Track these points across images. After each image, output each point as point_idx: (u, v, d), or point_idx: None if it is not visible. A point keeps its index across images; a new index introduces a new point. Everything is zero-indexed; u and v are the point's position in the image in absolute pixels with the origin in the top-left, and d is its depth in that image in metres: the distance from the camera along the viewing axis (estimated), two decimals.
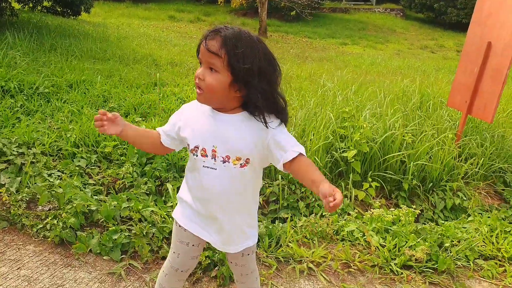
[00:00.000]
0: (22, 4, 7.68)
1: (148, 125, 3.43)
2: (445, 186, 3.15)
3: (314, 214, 2.68)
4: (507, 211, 3.04)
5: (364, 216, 2.68)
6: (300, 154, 1.23)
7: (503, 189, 3.44)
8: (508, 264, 2.34)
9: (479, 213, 3.03)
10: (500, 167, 3.45)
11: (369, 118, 3.24)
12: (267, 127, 1.23)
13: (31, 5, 7.86)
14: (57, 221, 2.08)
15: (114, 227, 2.05)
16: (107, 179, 2.82)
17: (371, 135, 2.99)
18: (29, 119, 3.61)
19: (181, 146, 1.40)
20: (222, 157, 1.26)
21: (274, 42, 13.27)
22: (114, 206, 2.18)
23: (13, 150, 3.02)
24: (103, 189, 2.74)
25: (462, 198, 3.09)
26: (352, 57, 10.57)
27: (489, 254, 2.41)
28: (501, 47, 3.12)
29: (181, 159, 3.01)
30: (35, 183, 2.61)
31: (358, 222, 2.57)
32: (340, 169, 3.09)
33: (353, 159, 2.94)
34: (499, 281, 2.25)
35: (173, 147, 1.38)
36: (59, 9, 10.36)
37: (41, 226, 2.12)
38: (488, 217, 2.72)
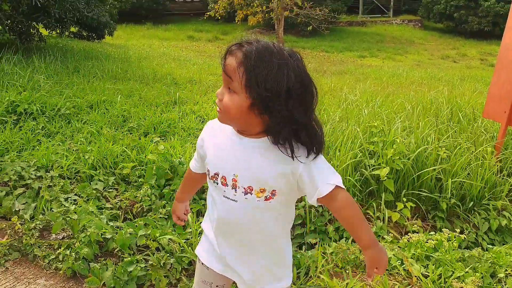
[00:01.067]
0: (50, 30, 7.96)
1: (167, 144, 3.31)
2: (488, 205, 2.89)
3: (345, 238, 2.46)
4: None
5: (400, 241, 2.45)
6: (337, 187, 1.06)
7: None
8: None
9: None
10: None
11: (400, 132, 3.03)
12: (292, 158, 1.04)
13: (58, 31, 8.14)
14: (70, 252, 1.95)
15: (129, 258, 1.90)
16: (125, 203, 2.70)
17: (405, 150, 2.77)
18: (49, 141, 3.57)
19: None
20: (244, 188, 1.08)
21: None
22: (130, 234, 2.04)
23: (31, 174, 2.95)
24: (120, 213, 2.61)
25: (509, 218, 2.81)
26: (371, 69, 10.34)
27: None
28: None
29: None
30: (50, 209, 2.50)
31: (394, 247, 2.34)
32: (370, 188, 2.87)
33: (386, 177, 2.73)
34: None
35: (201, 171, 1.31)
36: (85, 34, 10.72)
37: (54, 257, 1.99)
38: None
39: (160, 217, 2.37)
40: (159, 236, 2.05)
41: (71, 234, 2.17)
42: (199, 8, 25.51)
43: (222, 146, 1.12)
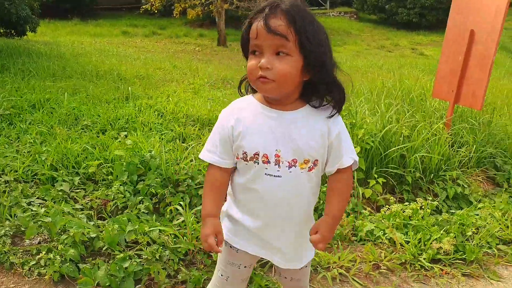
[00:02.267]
0: None
1: (133, 138, 3.17)
2: (445, 175, 3.13)
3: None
4: (508, 193, 3.06)
5: (376, 214, 2.59)
6: (353, 163, 1.14)
7: (495, 174, 3.48)
8: None
9: (477, 200, 3.04)
10: (490, 153, 3.50)
11: (366, 116, 3.18)
12: (332, 116, 1.09)
13: None
14: (54, 255, 1.81)
15: (122, 254, 1.80)
16: (96, 202, 2.55)
17: (375, 130, 2.91)
18: None
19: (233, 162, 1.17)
20: (288, 162, 1.07)
21: (235, 51, 13.19)
22: (118, 231, 1.93)
23: None
24: (93, 214, 2.47)
25: (463, 186, 3.07)
26: None
27: (509, 239, 2.38)
28: (485, 33, 3.17)
29: (175, 172, 2.79)
30: (15, 215, 2.29)
31: (374, 220, 2.46)
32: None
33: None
34: None
35: (233, 164, 1.17)
36: (1, 30, 9.75)
37: (34, 262, 1.83)
38: (501, 201, 2.71)
39: (142, 212, 2.28)
40: (148, 230, 1.97)
41: (48, 237, 2.01)
42: (131, 2, 24.51)
43: (256, 125, 1.08)
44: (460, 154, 3.30)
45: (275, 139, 1.07)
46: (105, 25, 19.86)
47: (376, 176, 2.86)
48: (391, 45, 14.49)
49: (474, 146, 3.41)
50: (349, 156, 1.13)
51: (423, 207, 2.48)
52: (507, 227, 2.45)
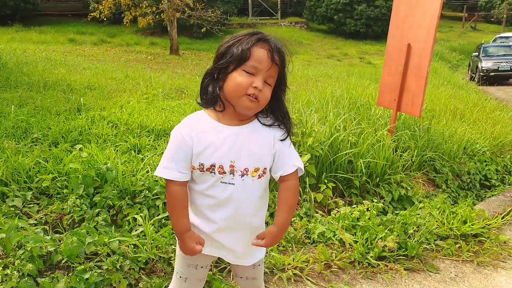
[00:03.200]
0: None
1: (88, 151, 3.14)
2: (389, 179, 3.38)
3: None
4: (446, 194, 3.36)
5: (327, 217, 2.75)
6: (297, 170, 1.28)
7: (435, 176, 3.80)
8: (461, 241, 2.58)
9: (419, 201, 3.31)
10: (430, 157, 3.82)
11: (316, 123, 3.36)
12: (285, 139, 1.26)
13: None
14: (10, 271, 1.78)
15: (82, 266, 1.82)
16: (51, 216, 2.51)
17: (323, 138, 3.10)
18: None
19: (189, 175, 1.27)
20: (241, 171, 1.21)
21: (188, 60, 13.18)
22: (77, 243, 1.94)
23: None
24: (48, 228, 2.43)
25: (406, 188, 3.34)
26: None
27: (445, 234, 2.63)
28: (420, 47, 3.48)
29: (131, 184, 2.80)
30: None
31: (324, 222, 2.62)
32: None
33: (307, 163, 3.01)
34: (458, 257, 2.47)
35: (190, 176, 1.25)
36: None
37: None
38: (437, 201, 2.98)
39: (101, 224, 2.28)
40: (108, 241, 1.99)
41: (3, 253, 1.97)
42: (78, 8, 23.71)
43: (211, 139, 1.19)
44: (403, 158, 3.58)
45: (230, 151, 1.19)
46: (50, 32, 19.05)
47: (326, 181, 3.04)
48: (340, 54, 15.16)
49: (416, 150, 3.71)
50: (292, 163, 1.26)
51: (369, 209, 2.68)
52: (443, 224, 2.71)
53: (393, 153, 3.57)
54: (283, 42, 1.21)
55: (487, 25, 30.78)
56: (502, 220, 2.87)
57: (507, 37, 17.45)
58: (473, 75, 13.91)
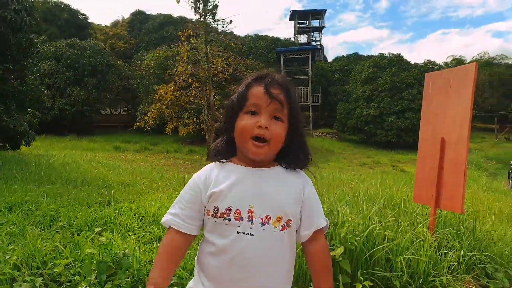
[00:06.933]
0: None
1: (108, 235, 3.03)
2: (434, 281, 2.98)
3: None
4: None
5: None
6: (325, 226, 1.16)
7: (488, 282, 3.32)
8: None
9: None
10: (479, 259, 3.39)
11: (348, 214, 3.15)
12: (303, 185, 1.15)
13: None
14: None
15: None
16: None
17: (357, 228, 2.86)
18: None
19: (200, 227, 1.14)
20: (261, 218, 1.06)
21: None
22: None
23: None
24: None
25: None
26: None
27: None
28: (454, 140, 3.36)
29: (147, 273, 2.61)
30: None
31: None
32: None
33: (340, 258, 2.73)
34: None
35: (196, 232, 1.13)
36: None
37: None
38: None
39: None
40: None
41: None
42: (127, 120, 25.94)
43: (229, 181, 1.09)
44: (448, 258, 3.19)
45: (249, 194, 1.07)
46: (99, 140, 20.60)
47: (362, 278, 2.70)
48: (372, 162, 15.14)
49: (462, 250, 3.32)
50: (322, 217, 1.15)
51: None
52: None
53: (436, 253, 3.21)
54: (283, 75, 1.16)
55: None
56: None
57: None
58: None
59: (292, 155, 1.15)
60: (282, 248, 1.10)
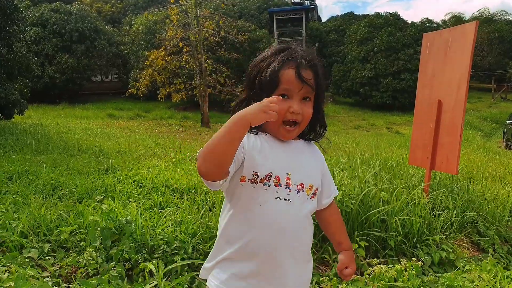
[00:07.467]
0: None
1: (109, 202, 3.09)
2: (428, 240, 3.09)
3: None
4: (495, 259, 3.02)
5: (360, 278, 2.49)
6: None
7: (479, 239, 3.45)
8: None
9: (464, 265, 2.97)
10: (471, 218, 3.51)
11: (345, 178, 3.22)
12: (324, 151, 1.26)
13: None
14: None
15: None
16: (65, 269, 2.40)
17: (353, 191, 2.93)
18: None
19: (229, 175, 1.09)
20: (296, 186, 1.12)
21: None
22: None
23: None
24: (60, 281, 2.30)
25: (447, 250, 3.03)
26: None
27: None
28: (451, 103, 3.38)
29: (150, 238, 2.69)
30: None
31: (358, 284, 2.36)
32: (323, 233, 2.93)
33: None
34: None
35: (227, 172, 1.08)
36: None
37: None
38: (487, 262, 2.66)
39: (114, 275, 2.14)
40: None
41: None
42: (118, 87, 25.57)
43: (269, 149, 1.13)
44: (441, 218, 3.30)
45: (286, 163, 1.13)
46: (92, 108, 20.38)
47: (358, 239, 2.80)
48: (367, 125, 15.22)
49: (455, 211, 3.43)
50: (334, 184, 1.27)
51: (407, 269, 2.41)
52: None
53: (430, 213, 3.31)
54: (312, 51, 1.17)
55: None
56: None
57: None
58: (509, 143, 13.30)
59: (311, 128, 1.21)
60: (310, 216, 1.18)
